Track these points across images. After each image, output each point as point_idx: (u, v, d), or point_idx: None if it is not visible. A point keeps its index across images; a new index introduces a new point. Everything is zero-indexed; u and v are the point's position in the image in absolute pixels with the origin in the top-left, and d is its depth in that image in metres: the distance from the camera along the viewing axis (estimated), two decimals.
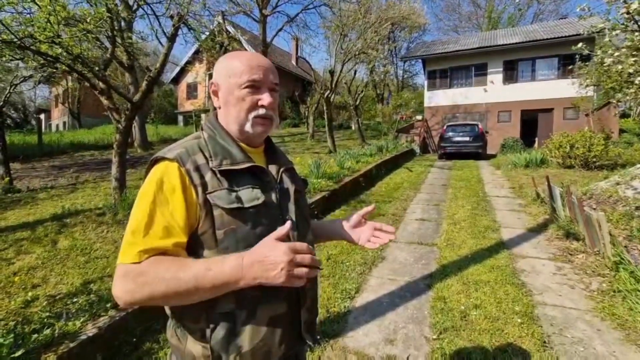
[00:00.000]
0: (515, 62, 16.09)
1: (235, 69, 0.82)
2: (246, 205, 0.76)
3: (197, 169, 0.76)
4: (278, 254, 0.66)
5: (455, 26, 33.13)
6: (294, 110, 21.83)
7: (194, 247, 0.75)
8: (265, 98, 0.83)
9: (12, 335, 1.95)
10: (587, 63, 8.60)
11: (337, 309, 2.61)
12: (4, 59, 3.68)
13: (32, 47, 3.33)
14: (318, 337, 0.94)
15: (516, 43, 15.56)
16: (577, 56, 7.66)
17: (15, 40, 3.22)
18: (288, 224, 0.73)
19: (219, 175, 0.77)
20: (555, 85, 15.17)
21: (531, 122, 16.27)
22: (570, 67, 14.08)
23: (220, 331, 0.75)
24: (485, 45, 16.33)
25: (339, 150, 10.98)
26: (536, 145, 14.99)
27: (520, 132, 15.91)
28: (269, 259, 0.66)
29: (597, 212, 3.39)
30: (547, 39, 14.91)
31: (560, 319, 2.39)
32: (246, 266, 0.67)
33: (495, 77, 16.54)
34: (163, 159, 0.76)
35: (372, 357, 2.06)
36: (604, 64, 4.40)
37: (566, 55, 14.59)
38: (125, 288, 0.66)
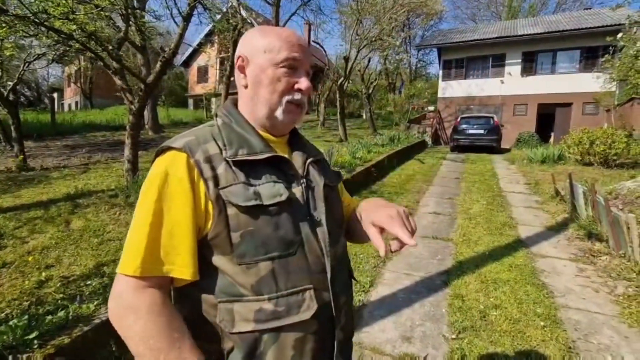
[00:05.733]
0: (535, 53, 15.54)
1: (271, 43, 0.70)
2: (266, 202, 0.64)
3: (209, 159, 0.65)
4: None
5: (473, 14, 32.12)
6: None
7: (204, 253, 0.65)
8: (303, 82, 0.72)
9: (26, 316, 1.93)
10: (614, 56, 8.24)
11: None
12: (18, 34, 3.61)
13: (45, 23, 3.24)
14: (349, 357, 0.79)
15: (537, 34, 14.99)
16: (611, 48, 7.31)
17: (29, 15, 3.13)
18: None
19: (234, 167, 0.66)
20: (575, 78, 14.64)
21: (548, 117, 15.81)
22: (593, 60, 13.58)
23: (237, 354, 0.64)
24: (504, 35, 15.78)
25: (350, 139, 10.84)
26: (552, 140, 14.62)
27: (536, 126, 15.49)
28: None
29: (625, 213, 3.25)
30: (570, 30, 14.31)
31: (585, 323, 2.30)
32: None
33: (513, 68, 16.03)
34: (170, 148, 0.66)
35: (389, 355, 2.01)
36: (639, 57, 4.16)
37: (589, 48, 14.04)
38: (114, 310, 0.61)
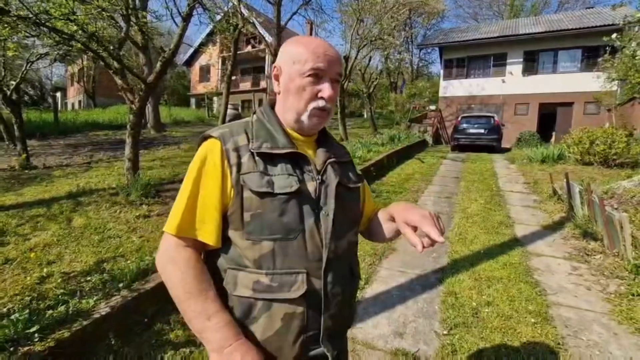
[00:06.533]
0: (537, 52, 15.51)
1: (300, 55, 0.78)
2: (276, 191, 0.74)
3: (237, 149, 0.76)
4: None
5: (475, 13, 32.03)
6: None
7: (224, 226, 0.77)
8: (326, 90, 0.79)
9: (27, 310, 1.99)
10: (614, 56, 8.22)
11: None
12: (19, 35, 3.67)
13: (47, 23, 3.29)
14: (339, 348, 0.84)
15: (539, 33, 14.95)
16: (608, 47, 7.30)
17: (31, 16, 3.19)
18: None
19: (256, 158, 0.76)
20: (577, 78, 14.61)
21: (549, 116, 15.78)
22: (594, 59, 13.54)
23: (236, 313, 0.76)
24: (505, 35, 15.75)
25: (351, 138, 10.87)
26: (553, 139, 14.58)
27: (537, 125, 15.46)
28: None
29: (619, 212, 3.28)
30: (572, 29, 14.27)
31: (575, 320, 2.33)
32: (226, 353, 0.70)
33: (514, 68, 16.00)
34: (210, 136, 0.79)
35: (381, 350, 2.05)
36: (636, 57, 4.17)
37: (591, 47, 13.99)
38: (160, 260, 0.76)
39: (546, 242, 3.76)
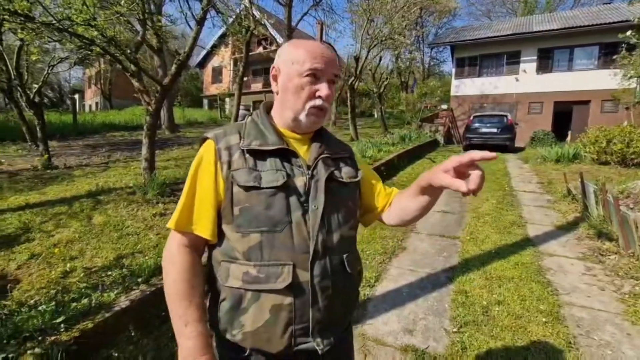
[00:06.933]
0: (551, 50, 15.17)
1: (298, 56, 0.81)
2: (263, 185, 0.77)
3: (228, 148, 0.81)
4: None
5: (487, 11, 31.55)
6: None
7: (218, 221, 0.82)
8: (324, 89, 0.82)
9: (53, 303, 2.10)
10: (632, 52, 8.02)
11: None
12: (43, 40, 3.82)
13: (69, 29, 3.43)
14: (331, 343, 0.84)
15: (553, 30, 14.63)
16: (624, 45, 7.12)
17: (54, 22, 3.33)
18: None
19: (246, 155, 0.80)
20: (593, 75, 14.24)
21: (565, 115, 15.43)
22: (612, 56, 13.19)
23: (227, 304, 0.81)
24: (519, 32, 15.47)
25: (361, 138, 10.88)
26: (569, 139, 14.25)
27: (552, 124, 15.13)
28: None
29: (635, 212, 3.22)
30: (588, 25, 13.93)
31: (587, 320, 2.32)
32: None
33: (528, 66, 15.70)
34: (206, 138, 0.85)
35: (390, 346, 2.09)
36: None
37: (608, 44, 13.62)
38: (164, 257, 0.83)
39: (559, 242, 3.72)
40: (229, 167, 0.79)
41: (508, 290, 2.68)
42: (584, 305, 2.50)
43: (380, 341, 2.13)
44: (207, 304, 0.87)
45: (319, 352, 0.81)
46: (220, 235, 0.82)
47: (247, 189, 0.77)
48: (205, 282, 0.87)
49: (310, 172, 0.83)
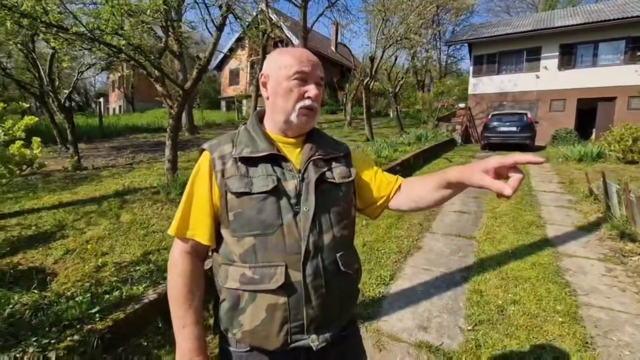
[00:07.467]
0: (574, 45, 14.66)
1: (285, 61, 0.86)
2: (254, 190, 0.81)
3: (222, 157, 0.86)
4: None
5: (507, 7, 30.84)
6: (332, 97, 21.75)
7: (217, 227, 0.88)
8: (312, 90, 0.86)
9: (88, 294, 2.26)
10: None
11: (372, 293, 2.70)
12: (75, 49, 4.06)
13: (99, 39, 3.65)
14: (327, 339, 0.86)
15: (576, 25, 14.16)
16: None
17: (86, 32, 3.54)
18: None
19: (238, 163, 0.85)
20: (620, 71, 13.68)
21: (588, 112, 14.90)
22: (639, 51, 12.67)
23: (226, 304, 0.85)
24: (540, 28, 15.03)
25: (377, 138, 10.87)
26: (594, 137, 13.77)
27: (575, 122, 14.65)
28: None
29: None
30: (615, 19, 13.40)
31: (606, 321, 2.30)
32: None
33: (549, 62, 15.23)
34: (203, 149, 0.91)
35: (405, 342, 2.14)
36: None
37: (636, 38, 13.08)
38: (169, 261, 0.89)
39: (580, 242, 3.66)
40: (223, 175, 0.84)
41: (524, 290, 2.67)
42: (603, 306, 2.48)
43: (395, 337, 2.19)
44: (212, 305, 0.93)
45: (314, 348, 0.83)
46: (220, 239, 0.87)
47: (239, 195, 0.82)
48: (209, 286, 0.93)
49: (300, 175, 0.86)
